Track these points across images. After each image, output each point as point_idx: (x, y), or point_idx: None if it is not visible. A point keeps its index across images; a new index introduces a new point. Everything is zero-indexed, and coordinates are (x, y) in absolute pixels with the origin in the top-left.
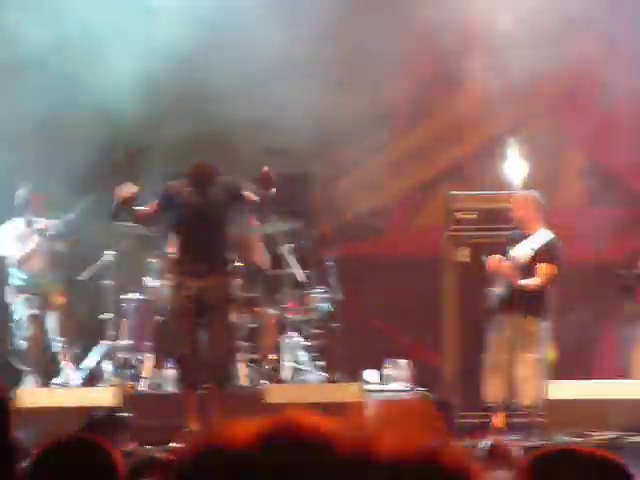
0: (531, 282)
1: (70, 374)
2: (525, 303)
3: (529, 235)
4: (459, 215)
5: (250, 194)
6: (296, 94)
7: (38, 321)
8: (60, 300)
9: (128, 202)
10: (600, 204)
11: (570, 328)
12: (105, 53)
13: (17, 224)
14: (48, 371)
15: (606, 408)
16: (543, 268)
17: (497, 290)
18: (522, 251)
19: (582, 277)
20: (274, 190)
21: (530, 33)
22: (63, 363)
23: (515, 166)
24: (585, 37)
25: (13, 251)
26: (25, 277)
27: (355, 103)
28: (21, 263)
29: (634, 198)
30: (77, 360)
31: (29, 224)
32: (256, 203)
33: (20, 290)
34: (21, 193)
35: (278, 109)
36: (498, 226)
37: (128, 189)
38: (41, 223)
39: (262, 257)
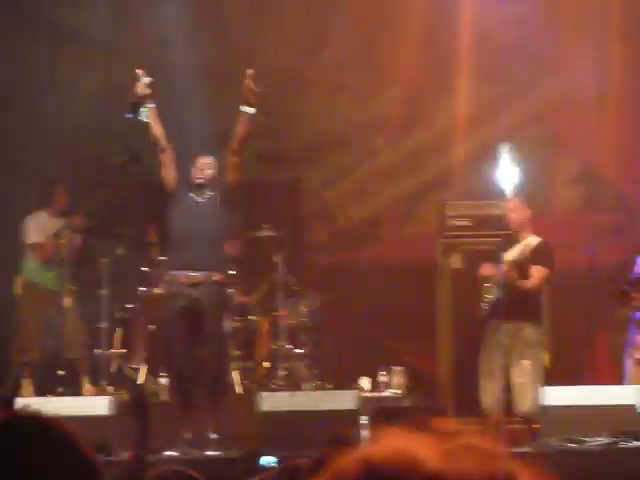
0: (527, 283)
1: (87, 386)
2: (520, 309)
3: (519, 241)
4: (452, 222)
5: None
6: (288, 101)
7: (42, 320)
8: (68, 301)
9: (144, 97)
10: (592, 210)
11: (564, 333)
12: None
13: (42, 216)
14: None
15: (600, 414)
16: (537, 270)
17: (490, 296)
18: (515, 254)
19: (576, 282)
20: (253, 110)
21: (521, 40)
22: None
23: (507, 173)
24: (576, 43)
25: (37, 240)
26: (40, 271)
27: (348, 110)
28: (42, 255)
29: (626, 203)
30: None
31: (54, 217)
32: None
33: (31, 284)
34: (49, 185)
35: (271, 116)
36: (491, 233)
37: (143, 81)
38: (62, 220)
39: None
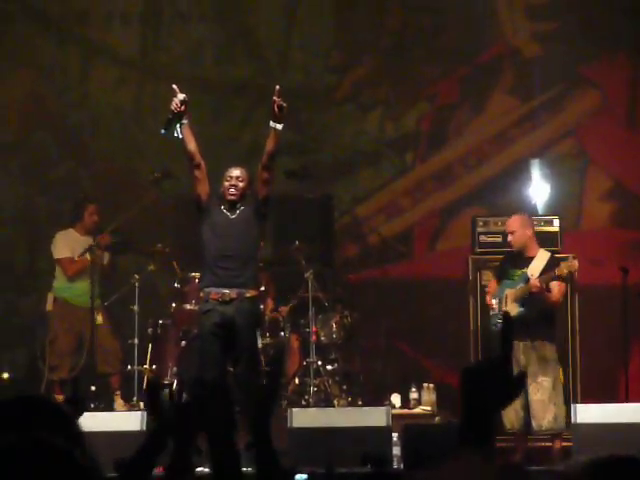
0: (551, 299)
1: (119, 401)
2: (535, 326)
3: (529, 257)
4: (483, 238)
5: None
6: (320, 118)
7: (73, 336)
8: (100, 319)
9: (180, 112)
10: (624, 226)
11: (596, 350)
12: None
13: (70, 233)
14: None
15: (634, 432)
16: (557, 285)
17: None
18: (535, 273)
19: (607, 299)
20: (281, 126)
21: (552, 55)
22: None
23: (538, 189)
24: (608, 59)
25: (65, 256)
26: (70, 287)
27: (378, 126)
28: (70, 271)
29: None
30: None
31: (83, 235)
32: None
33: (62, 300)
34: (79, 203)
35: (299, 132)
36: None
37: (179, 97)
38: (96, 236)
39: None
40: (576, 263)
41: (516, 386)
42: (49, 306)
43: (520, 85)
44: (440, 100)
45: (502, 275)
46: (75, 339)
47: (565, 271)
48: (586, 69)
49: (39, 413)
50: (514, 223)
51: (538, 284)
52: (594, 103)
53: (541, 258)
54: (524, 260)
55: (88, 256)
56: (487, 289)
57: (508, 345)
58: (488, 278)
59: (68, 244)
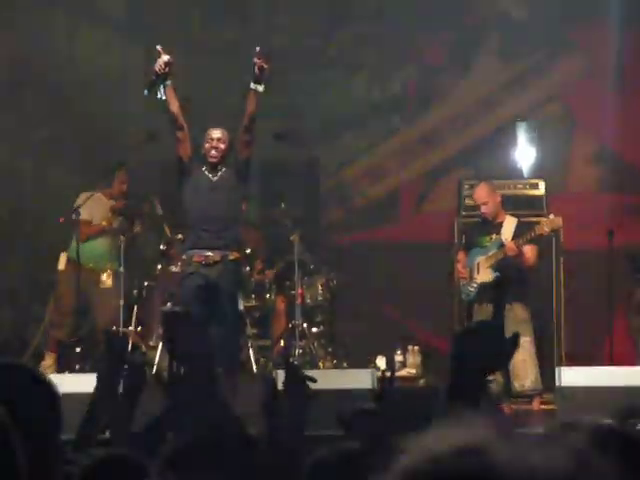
0: (527, 263)
1: None
2: (511, 290)
3: (498, 222)
4: (469, 201)
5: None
6: (305, 80)
7: (78, 297)
8: (108, 282)
9: (163, 74)
10: (611, 190)
11: (581, 314)
12: None
13: (100, 198)
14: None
15: (619, 395)
16: (530, 249)
17: (478, 280)
18: (508, 237)
19: (594, 263)
20: (262, 88)
21: (539, 19)
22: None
23: (524, 152)
24: (595, 24)
25: (83, 218)
26: (81, 248)
27: (365, 89)
28: (83, 234)
29: None
30: None
31: (111, 199)
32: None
33: (73, 260)
34: (111, 169)
35: (288, 95)
36: (509, 212)
37: (163, 58)
38: (119, 201)
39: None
40: (559, 220)
41: (512, 346)
42: (61, 265)
43: (507, 48)
44: (427, 63)
45: (470, 244)
46: (79, 300)
47: (546, 229)
48: (573, 33)
49: (16, 379)
50: (483, 193)
51: (515, 247)
52: (581, 67)
53: (510, 223)
54: (493, 226)
55: (104, 222)
56: (456, 260)
57: (500, 310)
58: (455, 249)
59: (89, 207)
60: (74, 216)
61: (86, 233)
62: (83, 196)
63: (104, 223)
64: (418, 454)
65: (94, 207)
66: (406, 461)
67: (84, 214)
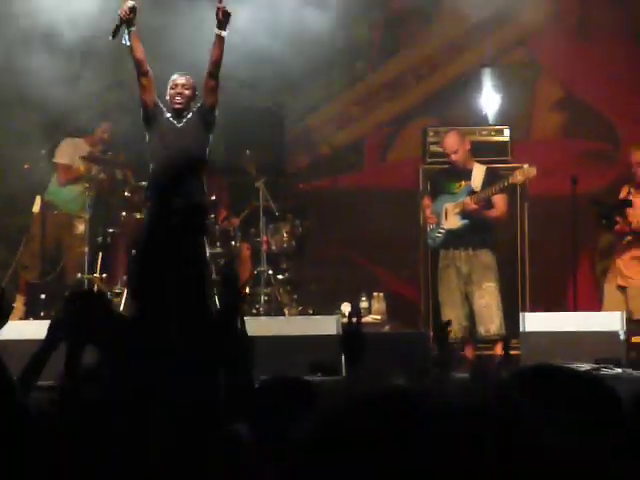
0: (496, 214)
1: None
2: (476, 236)
3: (467, 169)
4: (435, 148)
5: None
6: (266, 26)
7: (50, 240)
8: (81, 228)
9: (128, 19)
10: (575, 136)
11: (546, 260)
12: None
13: (81, 143)
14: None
15: (581, 340)
16: (501, 199)
17: (445, 226)
18: (478, 185)
19: (558, 209)
20: (226, 33)
21: None
22: None
23: (489, 99)
24: None
25: (63, 162)
26: (59, 191)
27: (328, 35)
28: (62, 177)
29: (609, 130)
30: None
31: (92, 146)
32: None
33: (50, 203)
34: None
35: (250, 42)
36: (475, 159)
37: (127, 4)
38: (96, 149)
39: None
40: (533, 170)
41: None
42: (35, 207)
43: None
44: (393, 7)
45: (437, 191)
46: (52, 243)
47: (520, 178)
48: None
49: None
50: (454, 141)
51: (475, 205)
52: (546, 13)
53: (479, 170)
54: (461, 173)
55: (82, 167)
56: (423, 206)
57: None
58: (421, 195)
59: (69, 152)
60: (54, 160)
61: (66, 177)
62: (67, 141)
63: (81, 169)
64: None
65: (74, 152)
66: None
67: (64, 158)
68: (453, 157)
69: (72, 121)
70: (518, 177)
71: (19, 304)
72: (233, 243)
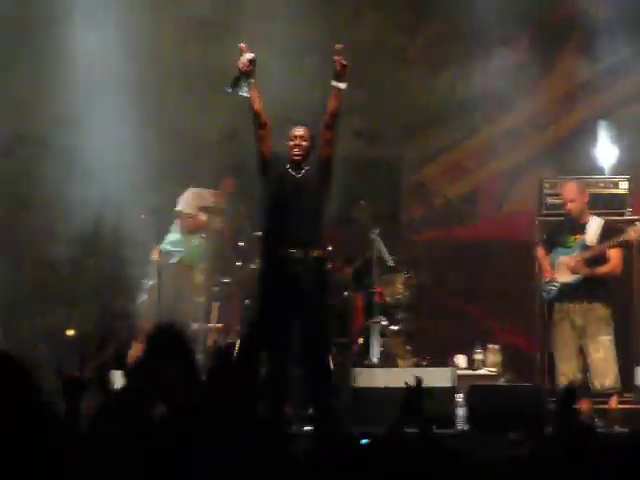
0: (608, 269)
1: None
2: (590, 289)
3: (582, 223)
4: (551, 200)
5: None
6: (388, 77)
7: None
8: (200, 279)
9: (247, 71)
10: None
11: None
12: None
13: (206, 195)
14: None
15: None
16: (615, 253)
17: (560, 280)
18: (592, 239)
19: None
20: (345, 85)
21: (625, 15)
22: None
23: (606, 150)
24: None
25: (187, 212)
26: (180, 242)
27: (447, 87)
28: (185, 227)
29: None
30: None
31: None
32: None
33: (166, 252)
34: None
35: (368, 93)
36: (591, 211)
37: (246, 56)
38: (220, 203)
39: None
40: None
41: None
42: (155, 256)
43: (589, 46)
44: (510, 60)
45: (553, 244)
46: (170, 292)
47: (634, 235)
48: None
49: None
50: (572, 191)
51: (585, 269)
52: None
53: (595, 224)
54: (577, 227)
55: (205, 217)
56: (538, 258)
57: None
58: (536, 249)
59: (194, 203)
60: (178, 209)
61: (190, 227)
62: (192, 191)
63: (204, 219)
64: None
65: (198, 203)
66: None
67: (187, 208)
68: (569, 205)
69: (192, 172)
70: (632, 234)
71: (134, 353)
72: (346, 294)
